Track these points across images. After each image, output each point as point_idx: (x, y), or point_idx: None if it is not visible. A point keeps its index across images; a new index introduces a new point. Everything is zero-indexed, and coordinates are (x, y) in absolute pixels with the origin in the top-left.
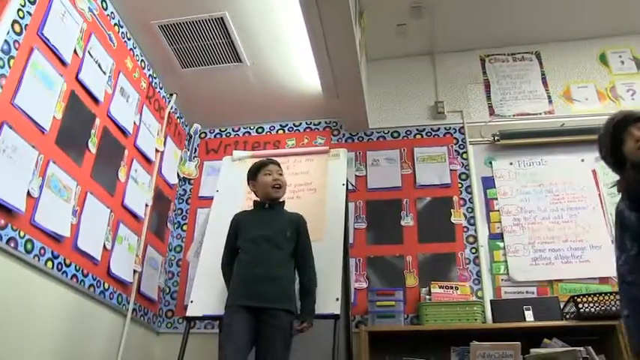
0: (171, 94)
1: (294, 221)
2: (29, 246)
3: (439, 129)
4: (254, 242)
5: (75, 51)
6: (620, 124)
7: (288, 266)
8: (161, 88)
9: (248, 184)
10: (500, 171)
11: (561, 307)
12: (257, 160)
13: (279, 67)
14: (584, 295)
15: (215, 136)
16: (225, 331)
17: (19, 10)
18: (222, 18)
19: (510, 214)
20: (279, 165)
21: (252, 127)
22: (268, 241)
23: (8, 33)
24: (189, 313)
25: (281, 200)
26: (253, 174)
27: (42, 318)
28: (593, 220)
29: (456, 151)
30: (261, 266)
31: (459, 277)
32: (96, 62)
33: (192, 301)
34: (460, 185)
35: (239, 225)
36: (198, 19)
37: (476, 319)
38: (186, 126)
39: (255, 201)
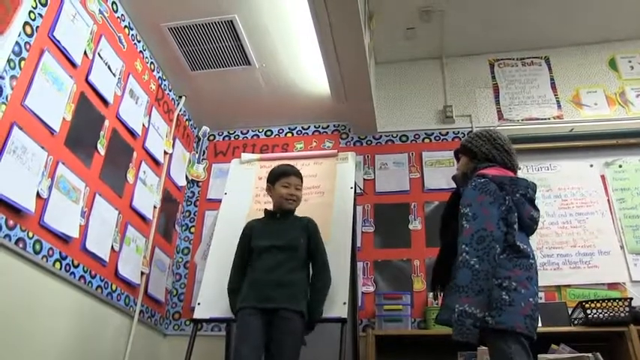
0: (181, 97)
1: (305, 226)
2: (37, 247)
3: (447, 133)
4: (267, 251)
5: (85, 53)
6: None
7: (301, 272)
8: (170, 91)
9: (266, 184)
10: None
11: (569, 312)
12: (283, 163)
13: (288, 71)
14: (592, 301)
15: (224, 139)
16: (240, 332)
17: (30, 12)
18: (231, 21)
19: None
20: (301, 178)
21: (260, 130)
22: (281, 251)
23: (20, 35)
24: (196, 315)
25: None
26: (273, 179)
27: (49, 319)
28: (601, 225)
29: None
30: (273, 273)
31: None
32: (106, 64)
33: (199, 303)
34: None
35: (253, 233)
36: (207, 22)
37: None
38: (195, 128)
39: (265, 209)
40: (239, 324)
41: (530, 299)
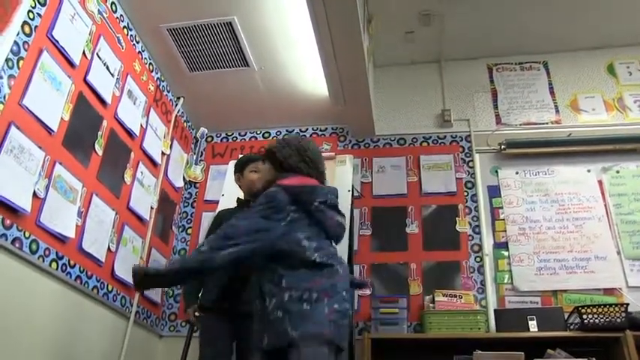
0: (179, 98)
1: None
2: (34, 246)
3: (445, 137)
4: None
5: (84, 53)
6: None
7: None
8: (168, 92)
9: (235, 175)
10: (506, 180)
11: (565, 317)
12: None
13: (286, 73)
14: (588, 306)
15: (221, 140)
16: (206, 335)
17: (29, 11)
18: (230, 22)
19: (515, 224)
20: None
21: (258, 132)
22: None
23: (18, 34)
24: None
25: None
26: (240, 168)
27: (45, 319)
28: (598, 230)
29: (462, 159)
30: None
31: (463, 285)
32: (104, 64)
33: None
34: (466, 193)
35: (224, 222)
36: (206, 23)
37: (479, 328)
38: (193, 129)
39: (238, 198)
40: (205, 325)
41: (336, 305)
